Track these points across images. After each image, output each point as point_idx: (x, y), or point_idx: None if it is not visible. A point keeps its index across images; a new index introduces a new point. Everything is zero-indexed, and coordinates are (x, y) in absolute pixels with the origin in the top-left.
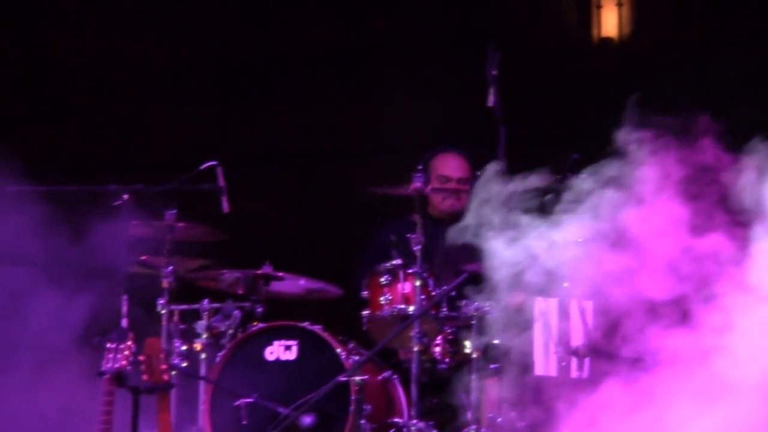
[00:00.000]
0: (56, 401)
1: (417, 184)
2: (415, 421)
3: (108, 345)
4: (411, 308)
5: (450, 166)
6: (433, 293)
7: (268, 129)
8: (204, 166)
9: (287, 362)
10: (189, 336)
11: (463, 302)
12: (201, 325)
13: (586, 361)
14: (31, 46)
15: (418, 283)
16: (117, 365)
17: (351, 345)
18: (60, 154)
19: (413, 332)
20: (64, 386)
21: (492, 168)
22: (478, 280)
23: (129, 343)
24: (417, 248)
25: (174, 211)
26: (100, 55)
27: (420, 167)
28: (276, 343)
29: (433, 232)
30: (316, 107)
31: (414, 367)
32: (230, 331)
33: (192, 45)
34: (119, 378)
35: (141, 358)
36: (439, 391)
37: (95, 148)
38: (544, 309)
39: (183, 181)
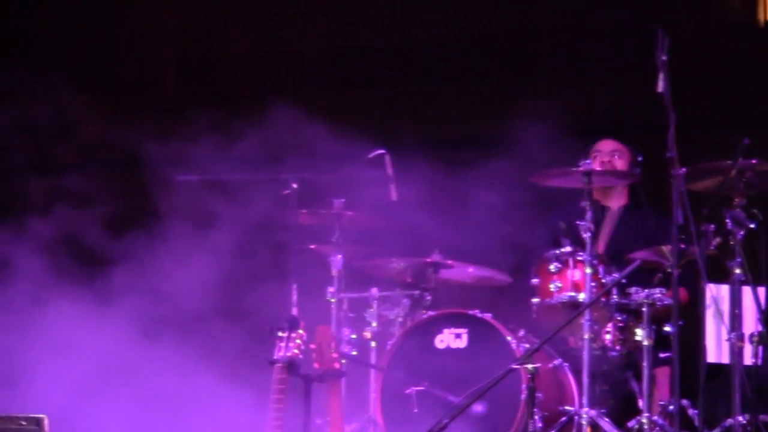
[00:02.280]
0: (229, 389)
1: (584, 169)
2: (586, 409)
3: (279, 333)
4: (581, 296)
5: (604, 143)
6: (604, 280)
7: (433, 115)
8: (372, 155)
9: (457, 350)
10: (358, 324)
11: (634, 289)
12: (370, 313)
13: (760, 348)
14: (177, 35)
15: (588, 270)
16: (288, 353)
17: (521, 333)
18: (229, 144)
19: (584, 320)
20: (236, 374)
21: None
22: (649, 268)
23: (300, 331)
24: (586, 235)
25: (342, 200)
26: (258, 43)
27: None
28: (446, 331)
29: (602, 218)
30: (480, 94)
31: (585, 355)
32: (399, 319)
33: (349, 29)
34: (290, 366)
35: (312, 346)
36: (609, 379)
37: (265, 138)
38: (715, 295)
39: (351, 169)
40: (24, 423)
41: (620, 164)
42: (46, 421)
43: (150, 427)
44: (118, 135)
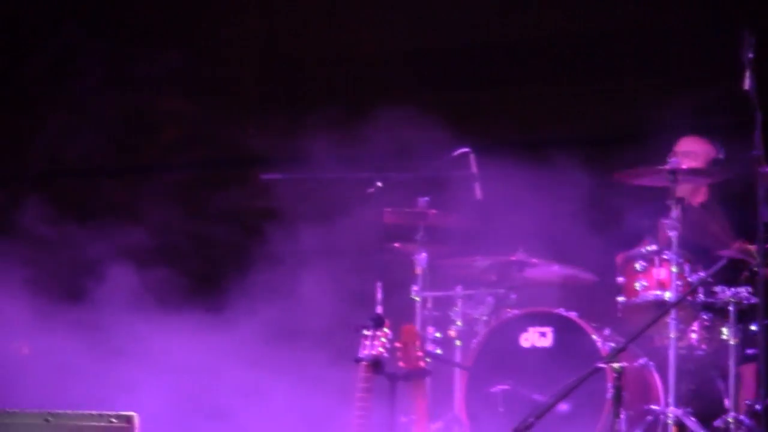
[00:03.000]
0: (316, 387)
1: (670, 167)
2: (671, 408)
3: (364, 332)
4: (667, 294)
5: (687, 141)
6: (689, 279)
7: (516, 115)
8: (457, 153)
9: (542, 349)
10: (443, 323)
11: (719, 288)
12: (455, 311)
13: None
14: (275, 37)
15: (674, 269)
16: (373, 352)
17: (606, 331)
18: (306, 142)
19: (670, 318)
20: (323, 372)
21: None
22: (736, 267)
23: (385, 330)
24: (672, 233)
25: (426, 198)
26: (340, 44)
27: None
28: (531, 329)
29: (687, 216)
30: (561, 93)
31: (671, 354)
32: (484, 318)
33: (434, 30)
34: (376, 364)
35: (397, 344)
36: (695, 378)
37: (349, 136)
38: None
39: (435, 168)
40: (114, 420)
41: (701, 162)
42: (136, 419)
43: (234, 418)
44: (202, 135)
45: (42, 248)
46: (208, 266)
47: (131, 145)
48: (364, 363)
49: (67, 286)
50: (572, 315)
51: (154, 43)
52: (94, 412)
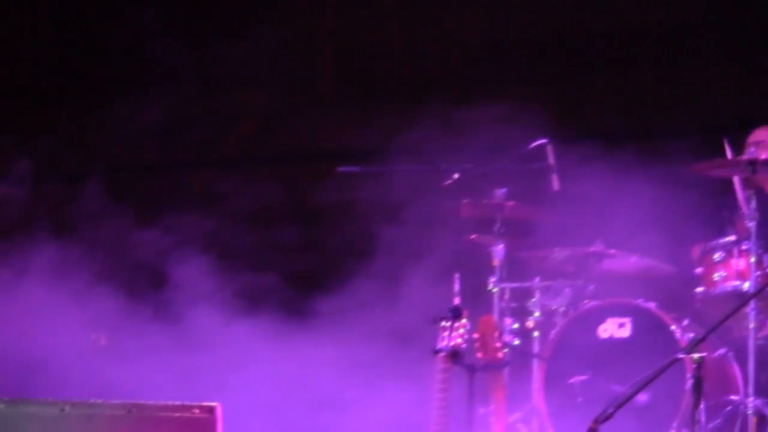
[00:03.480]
0: (395, 379)
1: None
2: (751, 399)
3: (442, 323)
4: (746, 285)
5: (759, 132)
6: None
7: (591, 108)
8: (534, 145)
9: (621, 340)
10: (520, 314)
11: None
12: (533, 303)
13: None
14: (353, 30)
15: (752, 260)
16: (452, 343)
17: (685, 322)
18: (390, 133)
19: (749, 309)
20: (400, 364)
21: None
22: None
23: (463, 321)
24: (751, 224)
25: (504, 190)
26: (415, 37)
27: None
28: (609, 320)
29: (765, 207)
30: (628, 85)
31: (750, 344)
32: (561, 309)
33: (507, 21)
34: (454, 356)
35: (475, 336)
36: None
37: (426, 128)
38: None
39: (513, 159)
40: (197, 411)
41: None
42: (219, 410)
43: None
44: (279, 129)
45: (122, 241)
46: (287, 260)
47: (209, 138)
48: (442, 354)
49: (148, 279)
50: (651, 306)
51: (231, 37)
52: (176, 403)
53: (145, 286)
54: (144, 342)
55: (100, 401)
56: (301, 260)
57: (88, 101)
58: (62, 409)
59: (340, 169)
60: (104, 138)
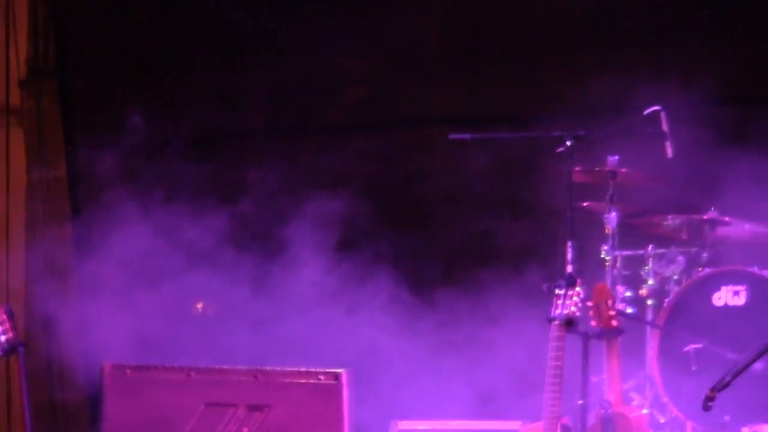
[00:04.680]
0: (508, 346)
1: None
2: None
3: (557, 291)
4: None
5: None
6: None
7: (697, 73)
8: (648, 111)
9: (736, 307)
10: (633, 282)
11: None
12: (646, 270)
13: None
14: None
15: None
16: (566, 311)
17: None
18: (499, 101)
19: None
20: (517, 331)
21: None
22: None
23: (577, 289)
24: None
25: (617, 157)
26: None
27: None
28: (724, 288)
29: None
30: (739, 52)
31: None
32: (675, 277)
33: None
34: (569, 323)
35: (589, 303)
36: None
37: (537, 95)
38: None
39: (626, 126)
40: (322, 377)
41: None
42: (344, 376)
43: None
44: (384, 96)
45: (232, 209)
46: (394, 228)
47: (314, 105)
48: (556, 322)
49: (261, 246)
50: (766, 273)
51: (336, 3)
52: (302, 369)
53: (254, 253)
54: (257, 310)
55: (226, 367)
56: (410, 228)
57: (192, 69)
58: (189, 375)
59: (452, 136)
60: (208, 105)
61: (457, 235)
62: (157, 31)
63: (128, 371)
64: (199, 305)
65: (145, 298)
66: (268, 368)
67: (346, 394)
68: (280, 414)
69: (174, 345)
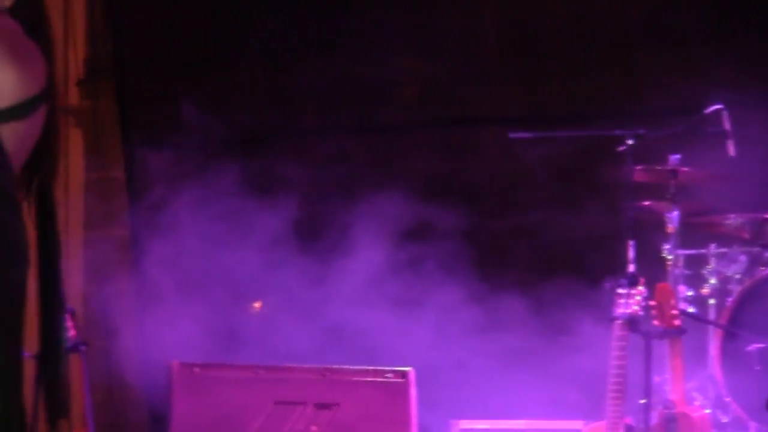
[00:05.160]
0: (573, 345)
1: None
2: None
3: (619, 290)
4: None
5: None
6: None
7: (759, 70)
8: (709, 110)
9: None
10: (695, 281)
11: None
12: (708, 270)
13: None
14: None
15: None
16: (629, 310)
17: None
18: (557, 100)
19: None
20: (577, 330)
21: None
22: None
23: (640, 288)
24: None
25: (678, 156)
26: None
27: None
28: None
29: None
30: None
31: None
32: (737, 276)
33: None
34: (631, 323)
35: (652, 303)
36: None
37: (594, 94)
38: None
39: (688, 125)
40: (390, 376)
41: None
42: (412, 374)
43: (484, 380)
44: (439, 96)
45: (288, 208)
46: (451, 225)
47: (369, 104)
48: (619, 321)
49: (316, 244)
50: None
51: (386, 3)
52: (369, 367)
53: (310, 252)
54: (316, 308)
55: (294, 365)
56: (465, 228)
57: (247, 67)
58: (256, 373)
59: (513, 135)
60: (262, 103)
61: (514, 234)
62: (212, 29)
63: (196, 369)
64: (257, 304)
65: (203, 297)
66: (335, 366)
67: (413, 392)
68: (348, 412)
69: (233, 343)
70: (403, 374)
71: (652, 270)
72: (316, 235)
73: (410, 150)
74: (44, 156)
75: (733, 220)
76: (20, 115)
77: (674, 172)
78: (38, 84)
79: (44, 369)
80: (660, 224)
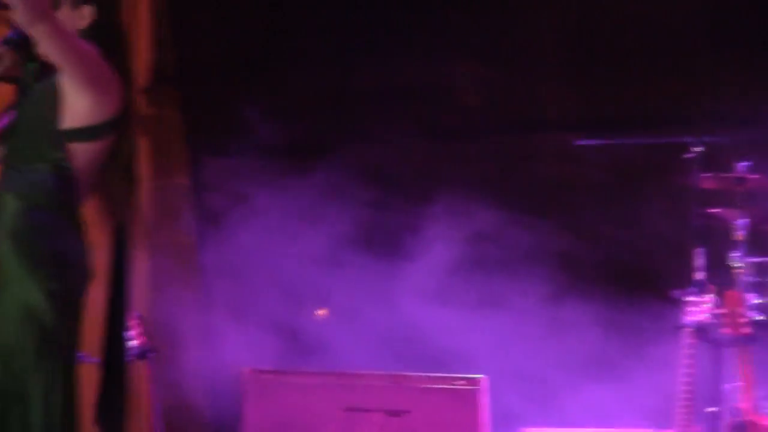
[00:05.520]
0: (641, 353)
1: None
2: None
3: (688, 298)
4: None
5: None
6: None
7: None
8: None
9: None
10: (763, 289)
11: None
12: None
13: None
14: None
15: None
16: (698, 318)
17: None
18: (620, 106)
19: None
20: (647, 338)
21: None
22: None
23: (709, 296)
24: None
25: (746, 163)
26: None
27: None
28: None
29: None
30: None
31: None
32: None
33: None
34: (700, 331)
35: (722, 311)
36: None
37: (659, 100)
38: None
39: (756, 131)
40: (462, 383)
41: None
42: (484, 382)
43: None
44: (502, 100)
45: (353, 214)
46: (514, 232)
47: (430, 109)
48: (688, 330)
49: (379, 251)
50: None
51: (453, 6)
52: (440, 374)
53: (375, 258)
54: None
55: (365, 371)
56: (528, 235)
57: (309, 73)
58: (327, 379)
59: (578, 141)
60: (325, 109)
61: (580, 242)
62: (274, 34)
63: (268, 375)
64: (322, 311)
65: (268, 303)
66: (406, 373)
67: (484, 400)
68: (419, 420)
69: (301, 350)
70: (475, 381)
71: (721, 278)
72: (376, 240)
73: (471, 155)
74: (119, 176)
75: None
76: (91, 137)
77: (742, 180)
78: (112, 109)
79: (107, 375)
80: (728, 232)
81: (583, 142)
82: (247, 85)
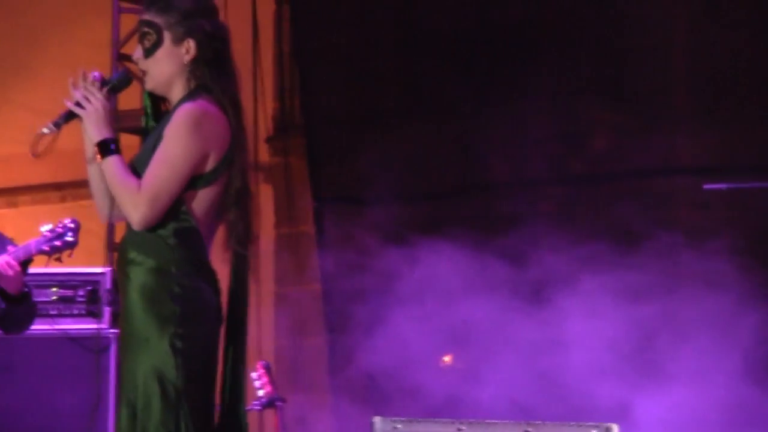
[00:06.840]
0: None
1: None
2: None
3: None
4: None
5: None
6: None
7: None
8: None
9: None
10: None
11: None
12: None
13: None
14: (688, 44)
15: None
16: None
17: None
18: (752, 149)
19: None
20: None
21: None
22: None
23: None
24: None
25: None
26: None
27: None
28: None
29: None
30: None
31: None
32: None
33: None
34: None
35: None
36: None
37: None
38: None
39: None
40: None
41: None
42: (617, 431)
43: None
44: (629, 146)
45: (474, 260)
46: (647, 275)
47: (559, 156)
48: None
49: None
50: None
51: (577, 50)
52: (572, 423)
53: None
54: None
55: (496, 421)
56: (661, 281)
57: (434, 121)
58: (459, 429)
59: (707, 186)
60: (449, 158)
61: (711, 292)
62: (397, 82)
63: (398, 426)
64: (447, 358)
65: (396, 351)
66: (538, 422)
67: None
68: None
69: (424, 398)
70: (607, 429)
71: None
72: (509, 286)
73: (601, 201)
74: (237, 219)
75: None
76: (206, 183)
77: None
78: (221, 153)
79: (226, 421)
80: None
81: (712, 186)
82: (371, 133)
